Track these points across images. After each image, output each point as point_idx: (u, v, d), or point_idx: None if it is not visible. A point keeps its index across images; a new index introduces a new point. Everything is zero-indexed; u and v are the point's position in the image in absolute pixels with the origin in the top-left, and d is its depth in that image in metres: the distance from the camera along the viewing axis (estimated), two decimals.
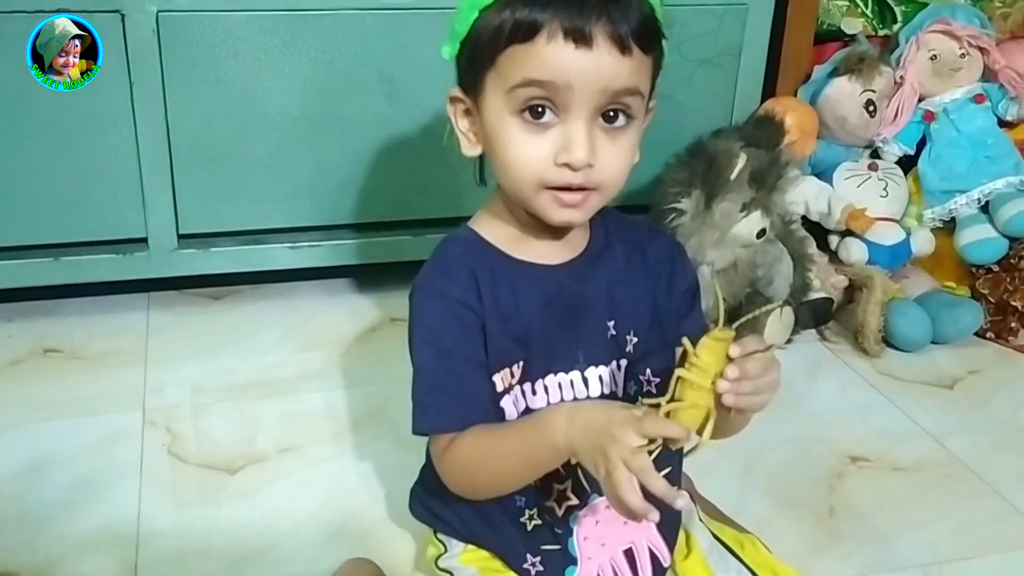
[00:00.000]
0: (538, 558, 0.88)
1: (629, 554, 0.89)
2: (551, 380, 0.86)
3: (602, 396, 0.87)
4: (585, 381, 0.87)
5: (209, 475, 1.15)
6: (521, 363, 0.85)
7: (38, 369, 1.35)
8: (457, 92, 0.83)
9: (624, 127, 0.79)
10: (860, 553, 1.08)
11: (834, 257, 1.57)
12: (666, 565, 0.90)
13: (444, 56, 0.83)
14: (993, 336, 1.53)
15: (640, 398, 0.88)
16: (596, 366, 0.87)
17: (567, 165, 0.77)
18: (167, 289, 1.53)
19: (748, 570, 0.91)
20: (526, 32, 0.74)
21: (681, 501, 0.69)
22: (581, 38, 0.74)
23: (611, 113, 0.77)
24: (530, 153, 0.78)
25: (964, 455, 1.26)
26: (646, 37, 0.76)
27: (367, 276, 1.59)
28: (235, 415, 1.27)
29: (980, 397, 1.40)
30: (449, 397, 0.83)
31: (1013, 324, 1.52)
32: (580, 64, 0.74)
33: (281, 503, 1.12)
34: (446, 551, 0.94)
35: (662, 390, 0.86)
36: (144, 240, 1.41)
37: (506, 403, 0.85)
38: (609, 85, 0.75)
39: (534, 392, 0.85)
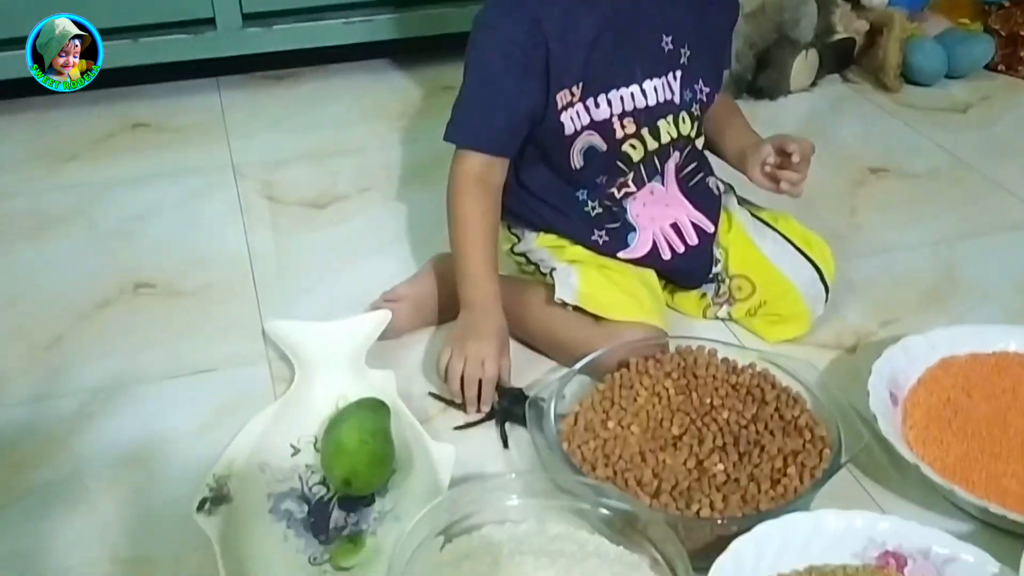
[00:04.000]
0: (603, 231, 1.03)
1: (675, 227, 1.04)
2: (613, 95, 0.97)
3: (658, 104, 0.98)
4: (644, 93, 0.98)
5: (301, 211, 1.30)
6: (580, 83, 0.95)
7: (131, 140, 1.49)
8: None
9: None
10: (878, 239, 1.23)
11: (856, 4, 1.65)
12: (710, 232, 1.04)
13: None
14: (1004, 68, 1.63)
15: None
16: (652, 79, 0.98)
17: None
18: (233, 73, 1.65)
19: (783, 237, 1.05)
20: None
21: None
22: None
23: None
24: None
25: (973, 162, 1.38)
26: None
27: (414, 53, 1.69)
28: (315, 167, 1.41)
29: (990, 117, 1.52)
30: (477, 120, 0.97)
31: (1023, 54, 1.61)
32: None
33: (367, 229, 1.26)
34: (519, 241, 1.09)
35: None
36: (212, 20, 1.52)
37: (565, 118, 0.96)
38: None
39: (597, 105, 0.97)
